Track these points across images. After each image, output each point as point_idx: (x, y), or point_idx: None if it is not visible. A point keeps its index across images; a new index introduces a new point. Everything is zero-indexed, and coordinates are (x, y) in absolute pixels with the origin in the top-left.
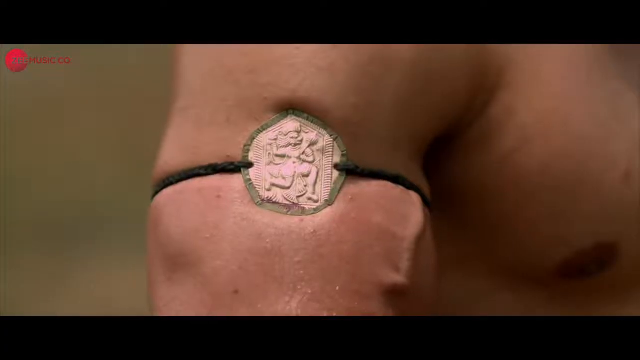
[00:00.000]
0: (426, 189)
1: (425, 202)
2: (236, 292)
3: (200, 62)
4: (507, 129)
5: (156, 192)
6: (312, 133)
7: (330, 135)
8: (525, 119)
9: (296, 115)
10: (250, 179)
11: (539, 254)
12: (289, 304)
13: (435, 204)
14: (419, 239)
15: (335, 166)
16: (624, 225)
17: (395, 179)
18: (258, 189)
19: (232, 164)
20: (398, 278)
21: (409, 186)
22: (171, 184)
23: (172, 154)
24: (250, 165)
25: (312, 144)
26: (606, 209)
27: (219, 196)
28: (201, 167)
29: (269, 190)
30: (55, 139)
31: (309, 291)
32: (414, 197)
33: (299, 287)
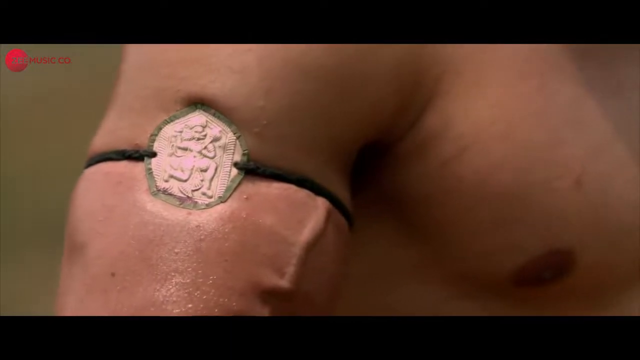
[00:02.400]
0: (343, 196)
1: (340, 208)
2: (113, 275)
3: (134, 56)
4: (444, 138)
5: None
6: (216, 129)
7: (234, 133)
8: (462, 129)
9: (204, 110)
10: (150, 168)
11: (487, 261)
12: (159, 291)
13: (381, 211)
14: (313, 245)
15: (235, 164)
16: (578, 232)
17: (301, 183)
18: (156, 179)
19: (137, 151)
20: (280, 282)
21: (318, 192)
22: (90, 166)
23: (99, 138)
24: (153, 154)
25: (214, 139)
26: (557, 216)
27: (120, 182)
28: (113, 152)
29: (166, 181)
30: (55, 139)
31: (180, 281)
32: (320, 203)
33: (171, 276)
